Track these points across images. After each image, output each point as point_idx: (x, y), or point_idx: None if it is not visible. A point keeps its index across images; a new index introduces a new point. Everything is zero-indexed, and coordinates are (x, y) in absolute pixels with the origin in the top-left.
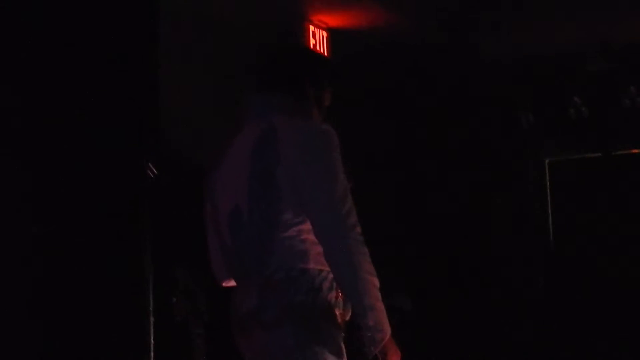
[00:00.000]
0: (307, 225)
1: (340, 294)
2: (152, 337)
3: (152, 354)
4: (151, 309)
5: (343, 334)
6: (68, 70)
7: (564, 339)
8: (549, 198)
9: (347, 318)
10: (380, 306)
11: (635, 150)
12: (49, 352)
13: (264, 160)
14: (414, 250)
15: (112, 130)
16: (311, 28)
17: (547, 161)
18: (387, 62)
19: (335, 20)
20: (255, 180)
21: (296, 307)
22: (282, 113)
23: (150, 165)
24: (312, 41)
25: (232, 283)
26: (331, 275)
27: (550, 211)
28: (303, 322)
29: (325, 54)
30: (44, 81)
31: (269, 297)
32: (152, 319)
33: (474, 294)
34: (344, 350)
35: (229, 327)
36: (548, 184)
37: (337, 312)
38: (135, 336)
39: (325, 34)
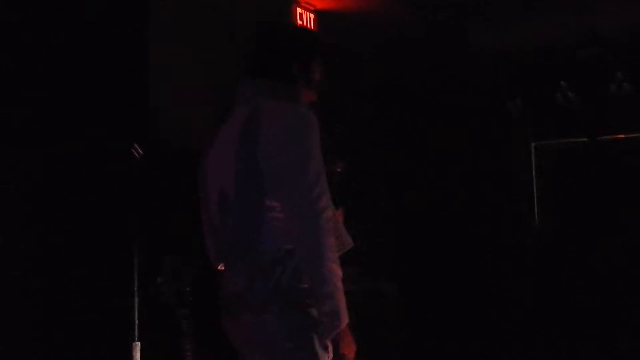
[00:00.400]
0: None
1: None
2: (136, 317)
3: (136, 333)
4: (136, 289)
5: None
6: (56, 53)
7: (552, 321)
8: (534, 181)
9: None
10: (339, 295)
11: (621, 136)
12: (33, 326)
13: (249, 143)
14: (401, 236)
15: (100, 115)
16: (298, 10)
17: (533, 145)
18: (375, 45)
19: (322, 2)
20: (241, 163)
21: (283, 289)
22: (268, 97)
23: (136, 146)
24: (299, 23)
25: None
26: None
27: (535, 194)
28: (289, 304)
29: None
30: (28, 63)
31: (256, 280)
32: (136, 299)
33: (460, 278)
34: None
35: (215, 309)
36: (534, 167)
37: None
38: (120, 316)
39: (312, 16)
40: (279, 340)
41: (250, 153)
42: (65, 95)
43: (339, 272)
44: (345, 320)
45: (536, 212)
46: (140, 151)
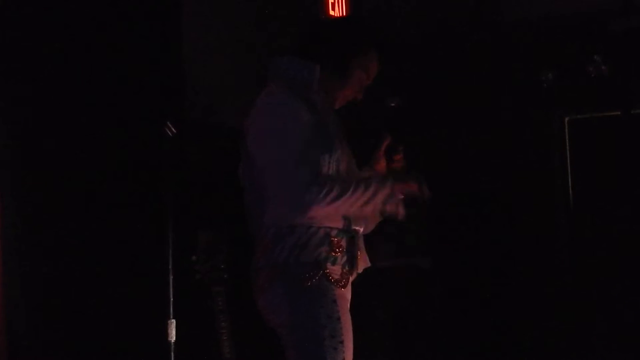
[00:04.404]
0: None
1: (337, 250)
2: (171, 295)
3: (171, 311)
4: (171, 267)
5: (342, 289)
6: (90, 28)
7: (587, 294)
8: (568, 156)
9: (353, 275)
10: (370, 194)
11: None
12: (68, 305)
13: (246, 129)
14: (432, 208)
15: (133, 90)
16: None
17: (567, 119)
18: (407, 20)
19: None
20: (246, 146)
21: (281, 266)
22: (283, 79)
23: (169, 124)
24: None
25: None
26: (323, 231)
27: (570, 169)
28: (290, 281)
29: (344, 11)
30: (60, 42)
31: (262, 257)
32: (172, 277)
33: (493, 251)
34: (341, 306)
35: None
36: (568, 142)
37: (331, 268)
38: (155, 294)
39: None
40: (285, 318)
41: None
42: (98, 75)
43: (365, 190)
44: (390, 190)
45: (570, 187)
46: (174, 129)
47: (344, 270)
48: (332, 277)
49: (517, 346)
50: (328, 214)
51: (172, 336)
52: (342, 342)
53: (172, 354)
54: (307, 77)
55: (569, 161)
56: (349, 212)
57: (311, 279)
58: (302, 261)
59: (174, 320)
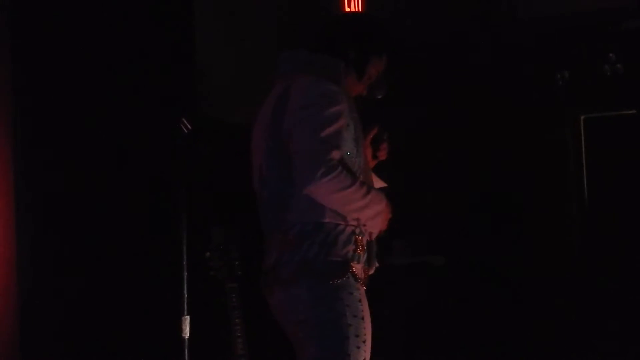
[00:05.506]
0: None
1: (360, 248)
2: (185, 291)
3: (185, 307)
4: (185, 263)
5: (364, 288)
6: (103, 23)
7: (599, 295)
8: (584, 154)
9: (371, 272)
10: (366, 202)
11: None
12: (86, 302)
13: (278, 119)
14: (444, 206)
15: (147, 86)
16: None
17: (582, 118)
18: (422, 18)
19: None
20: (271, 139)
21: (310, 263)
22: (305, 71)
23: (184, 120)
24: None
25: None
26: (349, 229)
27: (585, 167)
28: (318, 278)
29: (360, 9)
30: (72, 37)
31: (285, 253)
32: (185, 273)
33: (507, 250)
34: (364, 304)
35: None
36: (583, 140)
37: (356, 266)
38: (169, 289)
39: None
40: (305, 309)
41: (279, 128)
42: (111, 73)
43: (365, 198)
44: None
45: (585, 185)
46: (189, 126)
47: (365, 269)
48: (357, 275)
49: (530, 345)
50: (324, 200)
51: (186, 332)
52: (364, 341)
53: (186, 350)
54: (334, 72)
55: (584, 159)
56: (341, 207)
57: (340, 277)
58: (330, 259)
59: (188, 317)
